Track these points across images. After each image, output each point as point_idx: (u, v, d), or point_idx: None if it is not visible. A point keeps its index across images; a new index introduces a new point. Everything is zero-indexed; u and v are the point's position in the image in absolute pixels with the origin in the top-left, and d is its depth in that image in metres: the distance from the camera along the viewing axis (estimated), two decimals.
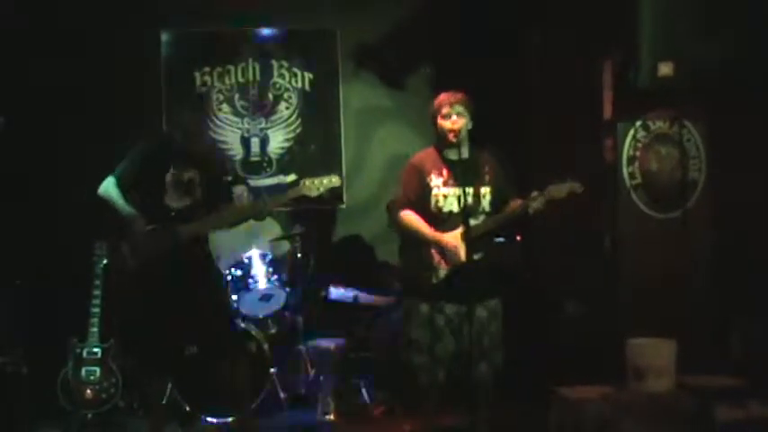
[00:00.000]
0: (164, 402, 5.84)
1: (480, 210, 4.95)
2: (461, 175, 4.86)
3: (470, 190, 4.87)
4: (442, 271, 4.88)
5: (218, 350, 5.28)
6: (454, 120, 4.92)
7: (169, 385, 5.87)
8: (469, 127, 5.00)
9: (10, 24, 6.64)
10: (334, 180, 5.12)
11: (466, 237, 4.72)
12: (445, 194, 4.95)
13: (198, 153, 5.28)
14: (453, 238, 4.84)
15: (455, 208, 4.92)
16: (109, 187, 5.11)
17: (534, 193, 4.86)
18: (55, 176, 6.76)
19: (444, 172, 4.98)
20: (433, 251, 4.89)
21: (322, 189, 5.07)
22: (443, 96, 5.02)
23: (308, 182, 5.09)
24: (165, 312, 5.02)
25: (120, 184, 5.11)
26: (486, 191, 4.98)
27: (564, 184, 4.88)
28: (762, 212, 5.52)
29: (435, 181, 4.97)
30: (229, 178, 5.47)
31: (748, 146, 5.58)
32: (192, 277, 5.09)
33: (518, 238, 6.17)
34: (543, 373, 5.77)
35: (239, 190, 6.55)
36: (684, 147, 5.81)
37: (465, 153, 4.97)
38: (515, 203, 4.98)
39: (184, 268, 5.06)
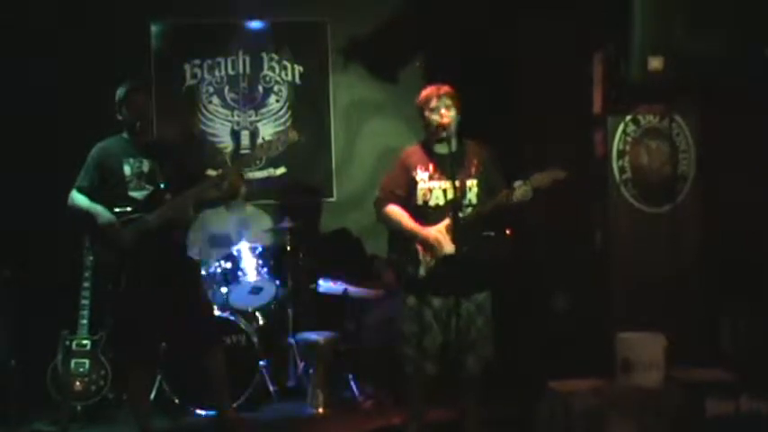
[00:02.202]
0: (152, 395, 5.87)
1: (467, 203, 4.92)
2: (449, 168, 4.81)
3: (457, 183, 4.81)
4: (425, 266, 4.86)
5: (197, 341, 5.29)
6: (443, 113, 4.87)
7: (158, 378, 5.89)
8: (458, 120, 4.93)
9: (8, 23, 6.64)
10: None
11: (454, 229, 4.72)
12: (431, 188, 4.93)
13: (158, 143, 5.33)
14: (436, 231, 4.83)
15: (441, 201, 4.91)
16: (75, 197, 5.15)
17: (518, 182, 4.81)
18: (52, 167, 6.71)
19: (431, 166, 4.94)
20: (418, 244, 4.88)
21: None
22: (430, 89, 4.96)
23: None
24: (142, 303, 5.03)
25: (85, 193, 5.14)
26: (472, 183, 4.94)
27: (547, 171, 4.84)
28: (752, 207, 5.52)
29: (421, 175, 4.94)
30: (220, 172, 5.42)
31: (738, 140, 5.59)
32: (167, 266, 5.09)
33: (507, 232, 6.17)
34: (533, 367, 5.78)
35: None
36: (674, 141, 5.81)
37: (453, 146, 4.90)
38: (501, 194, 4.97)
39: (159, 256, 5.05)
